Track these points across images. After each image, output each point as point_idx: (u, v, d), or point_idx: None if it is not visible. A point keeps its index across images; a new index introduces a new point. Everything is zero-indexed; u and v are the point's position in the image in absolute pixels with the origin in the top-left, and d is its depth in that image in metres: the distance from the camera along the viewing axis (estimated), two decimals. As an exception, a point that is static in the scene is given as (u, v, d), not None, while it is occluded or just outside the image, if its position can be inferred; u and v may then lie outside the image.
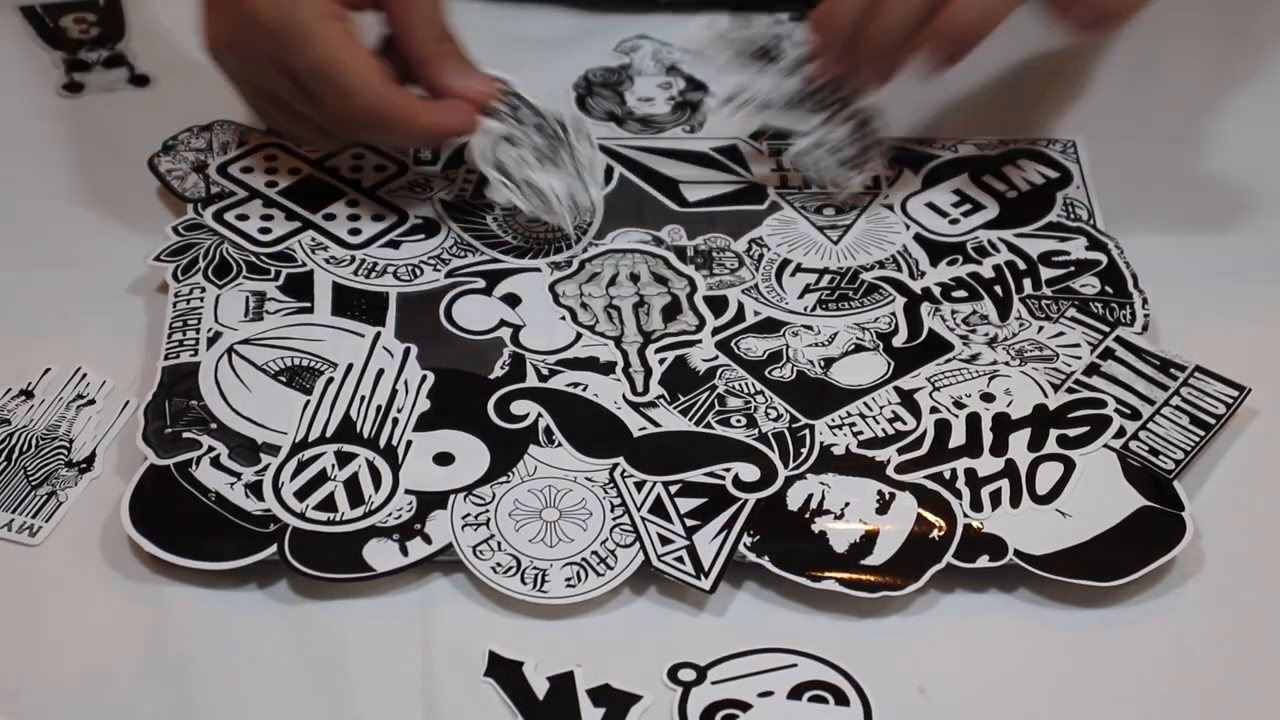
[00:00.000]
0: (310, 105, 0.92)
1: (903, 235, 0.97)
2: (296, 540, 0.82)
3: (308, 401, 0.87)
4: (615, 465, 0.85)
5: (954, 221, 0.98)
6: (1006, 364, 0.90)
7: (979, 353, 0.91)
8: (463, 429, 0.87)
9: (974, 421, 0.87)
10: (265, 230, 0.96)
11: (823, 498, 0.84)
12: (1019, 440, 0.87)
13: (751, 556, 0.82)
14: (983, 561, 0.82)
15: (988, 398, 0.89)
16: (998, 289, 0.94)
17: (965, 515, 0.83)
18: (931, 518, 0.83)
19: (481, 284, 0.94)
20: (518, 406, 0.88)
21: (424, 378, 0.89)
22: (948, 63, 0.93)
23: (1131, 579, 0.82)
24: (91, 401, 0.89)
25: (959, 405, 0.88)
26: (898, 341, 0.92)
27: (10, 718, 0.78)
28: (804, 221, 0.98)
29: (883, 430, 0.87)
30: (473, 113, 0.92)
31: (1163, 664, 0.80)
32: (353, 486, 0.84)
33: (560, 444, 0.86)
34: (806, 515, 0.84)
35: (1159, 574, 0.82)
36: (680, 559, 0.82)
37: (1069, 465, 0.86)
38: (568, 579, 0.81)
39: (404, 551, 0.82)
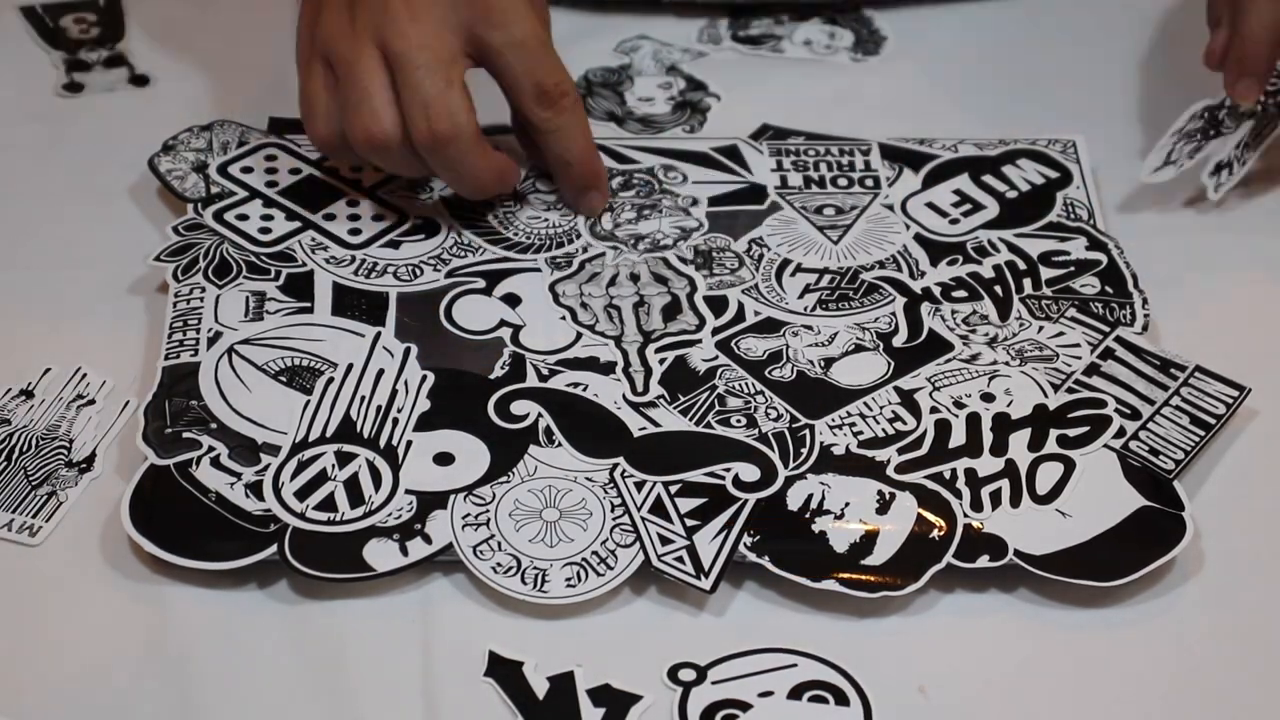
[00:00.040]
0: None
1: (903, 235, 0.97)
2: (296, 540, 0.82)
3: (308, 401, 0.87)
4: (615, 465, 0.85)
5: (954, 221, 0.98)
6: (1006, 364, 0.90)
7: (979, 353, 0.91)
8: (463, 429, 0.87)
9: (974, 421, 0.87)
10: (265, 230, 0.96)
11: (823, 498, 0.84)
12: (1019, 440, 0.87)
13: (751, 556, 0.82)
14: (983, 561, 0.82)
15: (988, 398, 0.89)
16: (998, 289, 0.94)
17: (965, 515, 0.83)
18: (931, 518, 0.83)
19: (481, 284, 0.94)
20: (518, 406, 0.88)
21: (424, 378, 0.89)
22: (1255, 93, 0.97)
23: (1131, 579, 0.82)
24: (91, 401, 0.89)
25: (959, 405, 0.88)
26: (898, 341, 0.92)
27: (10, 718, 0.78)
28: (804, 221, 0.98)
29: (883, 430, 0.87)
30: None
31: (1163, 664, 0.80)
32: (353, 486, 0.84)
33: (560, 444, 0.86)
34: (806, 515, 0.84)
35: (1159, 574, 0.82)
36: (680, 559, 0.82)
37: (1069, 465, 0.86)
38: (568, 579, 0.81)
39: (404, 551, 0.82)
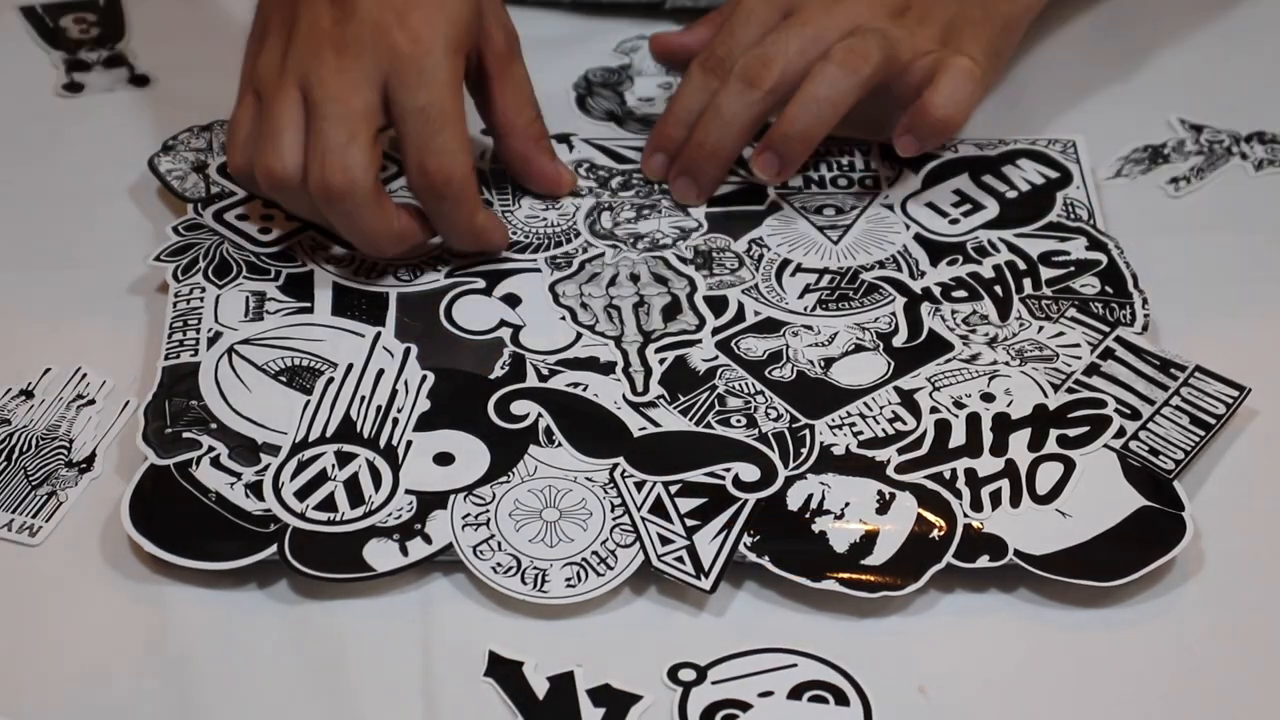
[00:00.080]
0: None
1: (903, 235, 0.97)
2: (296, 540, 0.82)
3: (308, 401, 0.87)
4: (615, 465, 0.85)
5: (954, 221, 0.98)
6: (1006, 364, 0.90)
7: (979, 353, 0.91)
8: (463, 429, 0.87)
9: (974, 421, 0.87)
10: (265, 230, 0.96)
11: (823, 498, 0.84)
12: (1019, 440, 0.87)
13: (751, 556, 0.82)
14: (983, 561, 0.82)
15: (988, 398, 0.89)
16: (998, 289, 0.94)
17: (965, 515, 0.83)
18: (931, 518, 0.83)
19: (481, 284, 0.94)
20: (518, 406, 0.88)
21: (424, 378, 0.89)
22: (780, 174, 0.97)
23: (1131, 579, 0.82)
24: (91, 401, 0.89)
25: (959, 405, 0.88)
26: (898, 341, 0.92)
27: (10, 718, 0.78)
28: (804, 221, 0.98)
29: (883, 430, 0.87)
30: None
31: (1163, 664, 0.80)
32: (353, 486, 0.84)
33: (560, 444, 0.86)
34: (806, 515, 0.84)
35: (1159, 574, 0.82)
36: (680, 559, 0.82)
37: (1069, 465, 0.86)
38: (568, 579, 0.81)
39: (404, 551, 0.82)
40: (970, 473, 0.85)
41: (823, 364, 0.90)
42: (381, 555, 0.82)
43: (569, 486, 0.85)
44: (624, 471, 0.85)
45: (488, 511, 0.83)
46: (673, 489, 0.84)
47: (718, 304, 0.93)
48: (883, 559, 0.82)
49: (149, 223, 0.98)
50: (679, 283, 0.94)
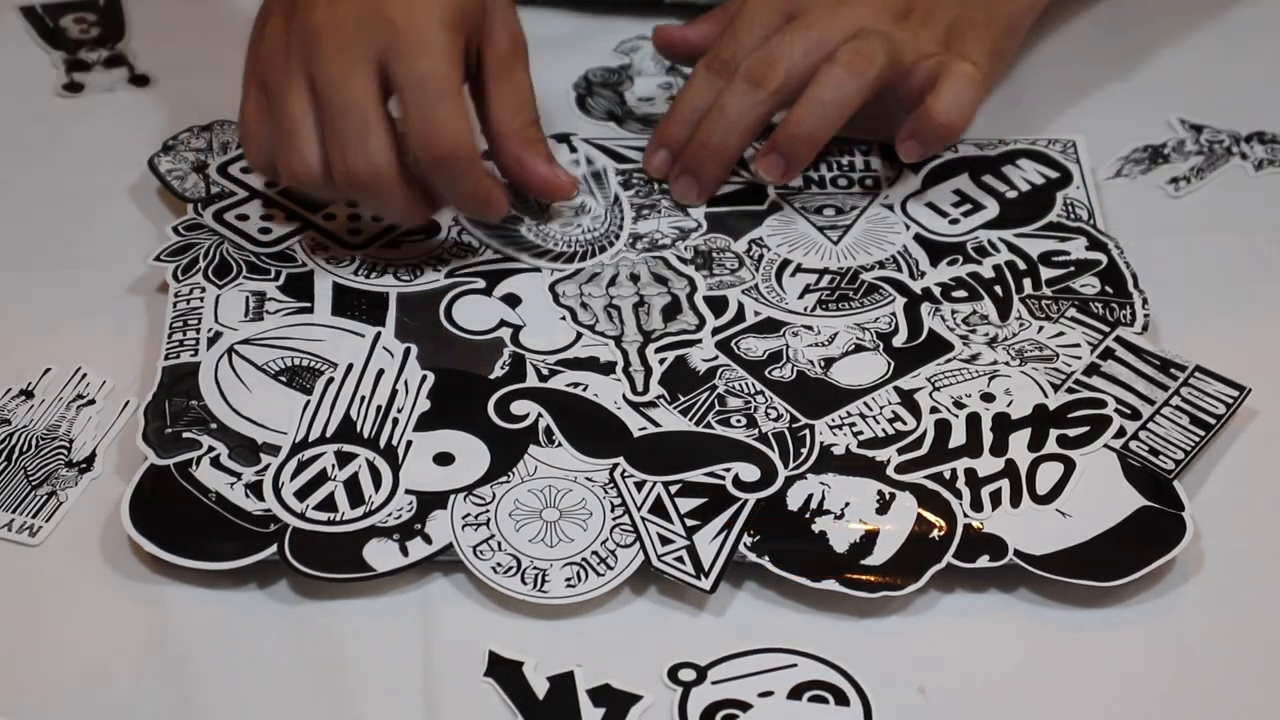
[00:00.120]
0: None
1: (903, 235, 0.97)
2: (296, 540, 0.82)
3: (308, 401, 0.87)
4: (615, 465, 0.85)
5: (954, 221, 0.98)
6: (1006, 364, 0.90)
7: (979, 353, 0.91)
8: (463, 429, 0.87)
9: (974, 421, 0.87)
10: (265, 230, 0.96)
11: (823, 498, 0.84)
12: (1019, 440, 0.87)
13: (751, 556, 0.82)
14: (983, 561, 0.82)
15: (988, 398, 0.89)
16: (998, 289, 0.94)
17: (965, 515, 0.83)
18: (931, 518, 0.83)
19: (481, 284, 0.94)
20: (518, 406, 0.88)
21: (424, 378, 0.89)
22: (785, 175, 0.97)
23: (1131, 579, 0.82)
24: (91, 401, 0.89)
25: (959, 405, 0.88)
26: (898, 341, 0.92)
27: (10, 718, 0.78)
28: (804, 221, 0.98)
29: (883, 430, 0.87)
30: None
31: (1163, 664, 0.80)
32: (353, 486, 0.84)
33: (560, 444, 0.86)
34: (806, 515, 0.84)
35: (1159, 574, 0.82)
36: (680, 559, 0.82)
37: (1069, 465, 0.86)
38: (568, 579, 0.81)
39: (404, 551, 0.82)
40: (970, 473, 0.85)
41: (823, 364, 0.90)
42: (381, 555, 0.82)
43: (569, 486, 0.85)
44: (624, 471, 0.85)
45: (488, 511, 0.83)
46: (673, 489, 0.84)
47: (718, 304, 0.93)
48: (883, 559, 0.82)
49: (149, 223, 0.98)
50: (679, 283, 0.94)
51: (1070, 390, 0.89)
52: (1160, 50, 1.10)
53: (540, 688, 0.79)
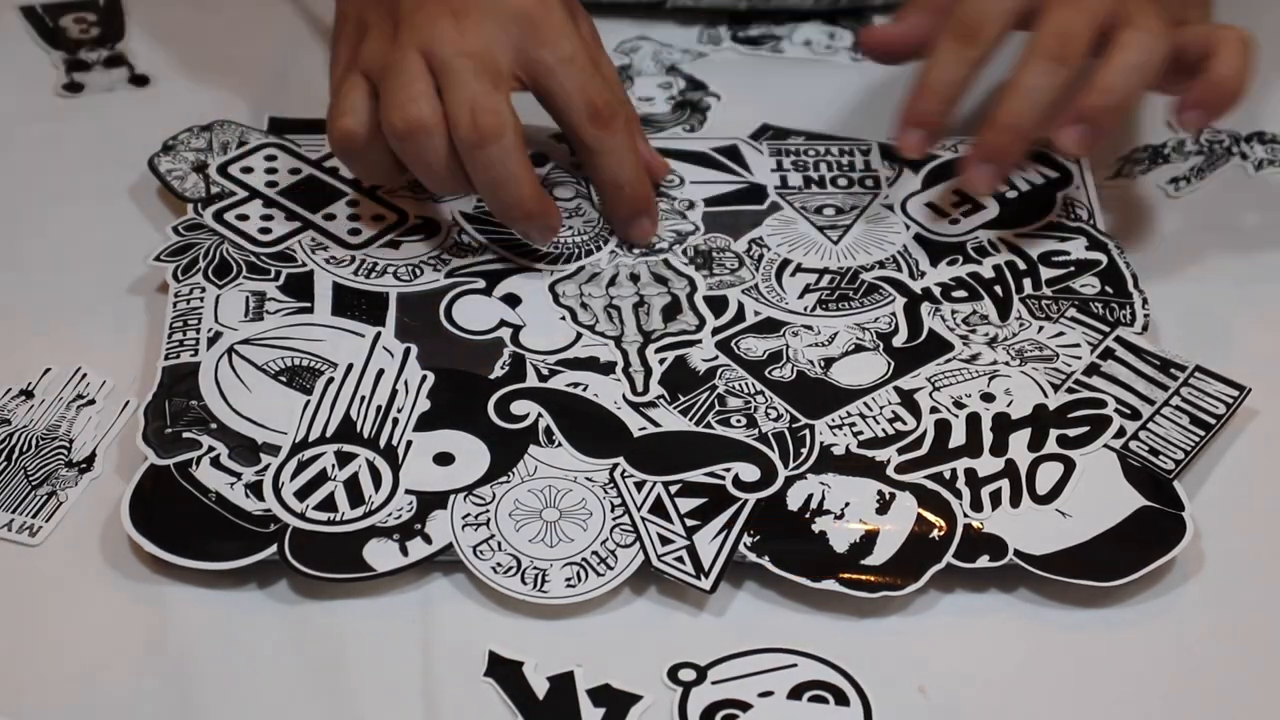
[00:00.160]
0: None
1: (903, 235, 0.97)
2: (296, 540, 0.82)
3: (308, 401, 0.87)
4: (615, 465, 0.85)
5: (954, 221, 0.98)
6: (1006, 364, 0.90)
7: (979, 353, 0.91)
8: (463, 429, 0.87)
9: (974, 421, 0.87)
10: (265, 230, 0.96)
11: (823, 498, 0.84)
12: (1019, 440, 0.87)
13: (751, 556, 0.82)
14: (983, 561, 0.82)
15: (988, 398, 0.89)
16: (998, 289, 0.94)
17: (965, 515, 0.83)
18: (931, 518, 0.83)
19: (481, 284, 0.94)
20: (518, 406, 0.88)
21: (424, 378, 0.89)
22: (1091, 146, 0.92)
23: (1131, 579, 0.82)
24: (91, 401, 0.89)
25: (959, 405, 0.88)
26: (898, 341, 0.92)
27: (10, 718, 0.78)
28: (804, 221, 0.98)
29: (883, 430, 0.87)
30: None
31: (1163, 664, 0.80)
32: (353, 486, 0.84)
33: (560, 444, 0.86)
34: (806, 515, 0.84)
35: (1159, 574, 0.82)
36: (680, 559, 0.82)
37: (1069, 465, 0.86)
38: (568, 579, 0.81)
39: (404, 551, 0.82)
40: (970, 473, 0.85)
41: (823, 364, 0.90)
42: (381, 555, 0.82)
43: (569, 486, 0.85)
44: (624, 471, 0.85)
45: (488, 511, 0.83)
46: (673, 489, 0.84)
47: (718, 304, 0.93)
48: (883, 559, 0.82)
49: (149, 223, 0.98)
50: (679, 283, 0.94)
51: (1070, 390, 0.89)
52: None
53: (540, 688, 0.79)
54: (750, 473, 0.85)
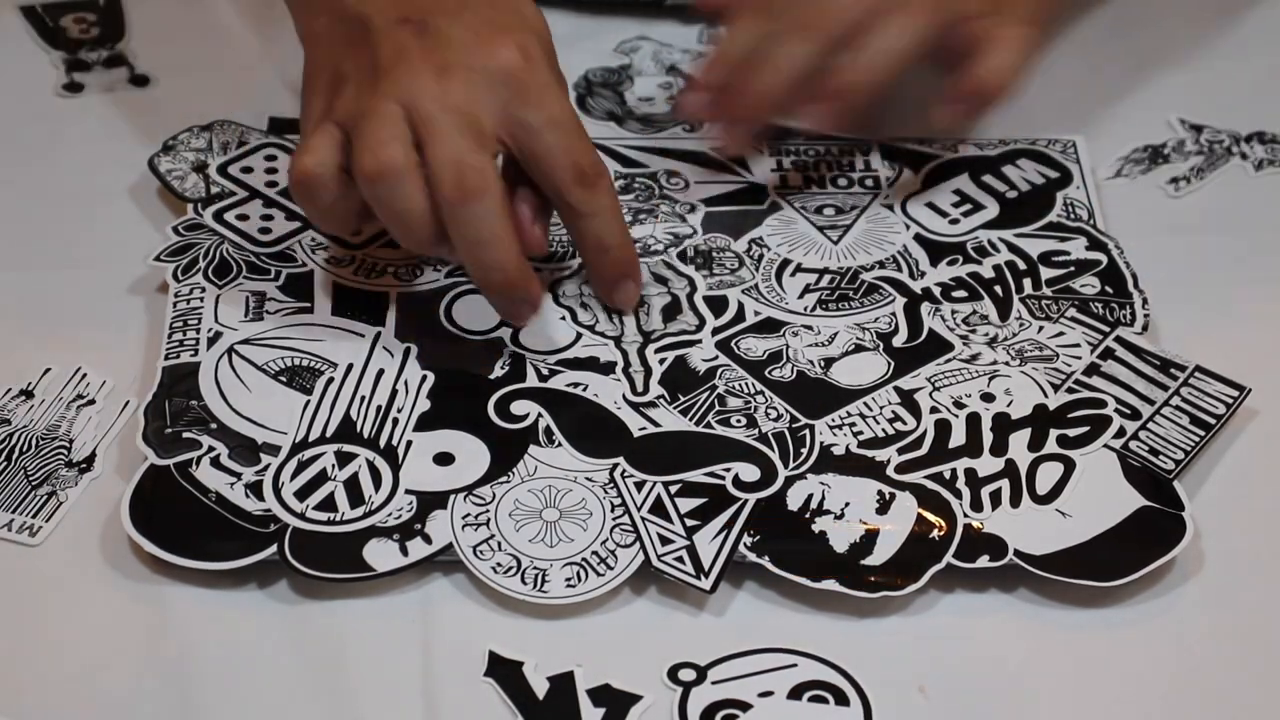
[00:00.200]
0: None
1: (903, 235, 0.97)
2: (296, 540, 0.82)
3: (308, 401, 0.87)
4: (615, 465, 0.85)
5: (954, 221, 0.98)
6: (1006, 364, 0.90)
7: (979, 353, 0.91)
8: (463, 429, 0.87)
9: (974, 421, 0.87)
10: (265, 230, 0.96)
11: (823, 498, 0.84)
12: (1019, 440, 0.87)
13: (751, 556, 0.82)
14: (983, 561, 0.82)
15: (988, 398, 0.89)
16: (998, 289, 0.94)
17: (965, 515, 0.83)
18: (931, 518, 0.83)
19: (481, 284, 0.94)
20: (518, 406, 0.88)
21: (424, 378, 0.89)
22: (836, 123, 0.96)
23: (1131, 579, 0.82)
24: (91, 401, 0.89)
25: (959, 405, 0.88)
26: (898, 341, 0.92)
27: (10, 718, 0.78)
28: (804, 221, 0.98)
29: (883, 430, 0.87)
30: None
31: (1163, 664, 0.80)
32: (353, 486, 0.84)
33: (560, 444, 0.86)
34: (806, 515, 0.84)
35: (1159, 574, 0.82)
36: (680, 559, 0.82)
37: (1069, 465, 0.86)
38: (568, 579, 0.81)
39: (404, 551, 0.82)
40: (970, 473, 0.85)
41: (823, 364, 0.90)
42: (381, 555, 0.82)
43: (569, 486, 0.85)
44: (624, 471, 0.85)
45: (488, 511, 0.83)
46: (673, 489, 0.84)
47: (718, 304, 0.93)
48: (883, 559, 0.82)
49: (149, 223, 0.98)
50: (679, 283, 0.94)
51: (1070, 390, 0.89)
52: (1160, 50, 1.10)
53: (540, 688, 0.79)
54: (750, 473, 0.85)
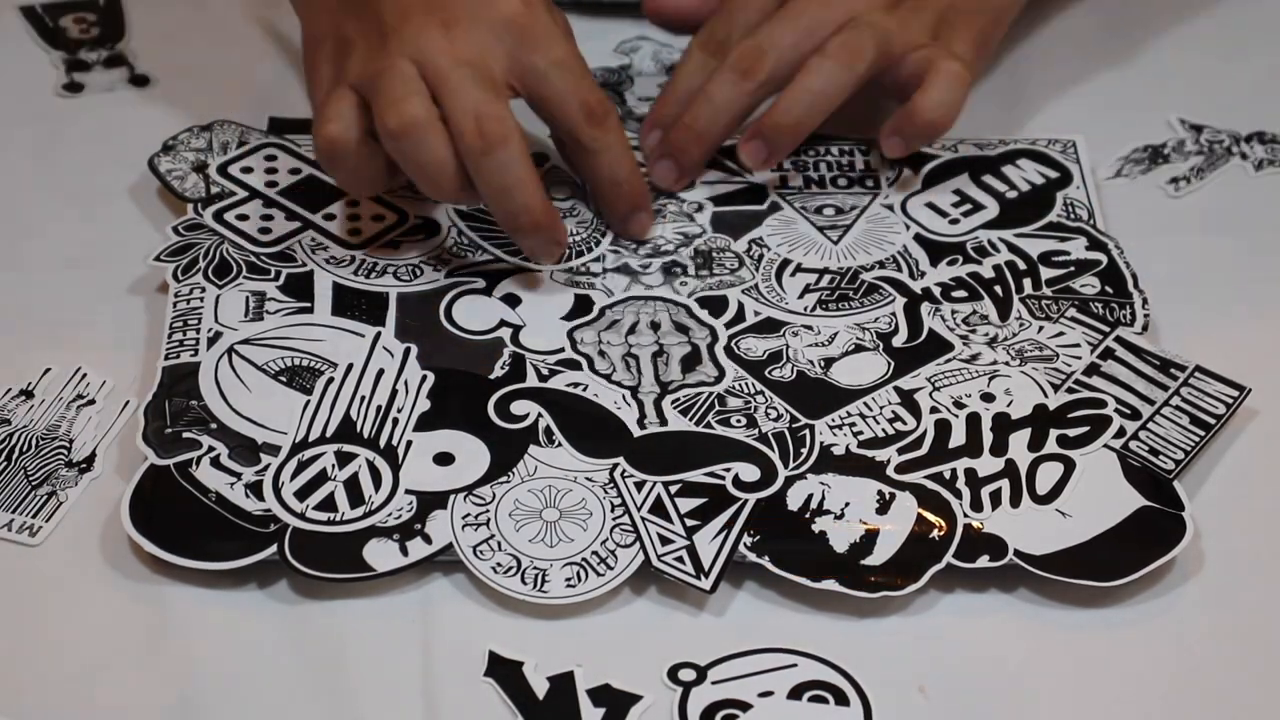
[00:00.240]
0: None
1: (903, 235, 0.97)
2: (296, 540, 0.82)
3: (308, 401, 0.87)
4: (615, 465, 0.85)
5: (954, 221, 0.98)
6: (1006, 364, 0.90)
7: (979, 353, 0.91)
8: (463, 429, 0.87)
9: (974, 421, 0.87)
10: (265, 230, 0.96)
11: (823, 498, 0.84)
12: (1019, 440, 0.87)
13: (751, 556, 0.82)
14: (983, 561, 0.82)
15: (988, 398, 0.89)
16: (998, 289, 0.94)
17: (965, 515, 0.83)
18: (931, 518, 0.83)
19: (481, 284, 0.94)
20: (518, 406, 0.88)
21: (424, 378, 0.89)
22: (767, 162, 0.97)
23: (1131, 579, 0.82)
24: (91, 401, 0.89)
25: (959, 405, 0.88)
26: (898, 341, 0.92)
27: (10, 718, 0.78)
28: (804, 221, 0.98)
29: (883, 430, 0.87)
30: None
31: (1163, 664, 0.80)
32: (353, 486, 0.84)
33: (560, 444, 0.86)
34: (806, 515, 0.84)
35: (1159, 574, 0.82)
36: (680, 559, 0.82)
37: (1069, 465, 0.86)
38: (568, 579, 0.81)
39: (404, 551, 0.82)
40: (970, 473, 0.85)
41: (823, 364, 0.90)
42: (381, 555, 0.82)
43: (569, 486, 0.85)
44: (624, 471, 0.85)
45: (488, 511, 0.83)
46: (673, 489, 0.84)
47: (717, 304, 0.93)
48: (883, 559, 0.82)
49: (149, 223, 0.98)
50: (700, 332, 0.93)
51: (1070, 390, 0.89)
52: (1160, 50, 1.10)
53: (540, 688, 0.79)
54: (750, 473, 0.85)
